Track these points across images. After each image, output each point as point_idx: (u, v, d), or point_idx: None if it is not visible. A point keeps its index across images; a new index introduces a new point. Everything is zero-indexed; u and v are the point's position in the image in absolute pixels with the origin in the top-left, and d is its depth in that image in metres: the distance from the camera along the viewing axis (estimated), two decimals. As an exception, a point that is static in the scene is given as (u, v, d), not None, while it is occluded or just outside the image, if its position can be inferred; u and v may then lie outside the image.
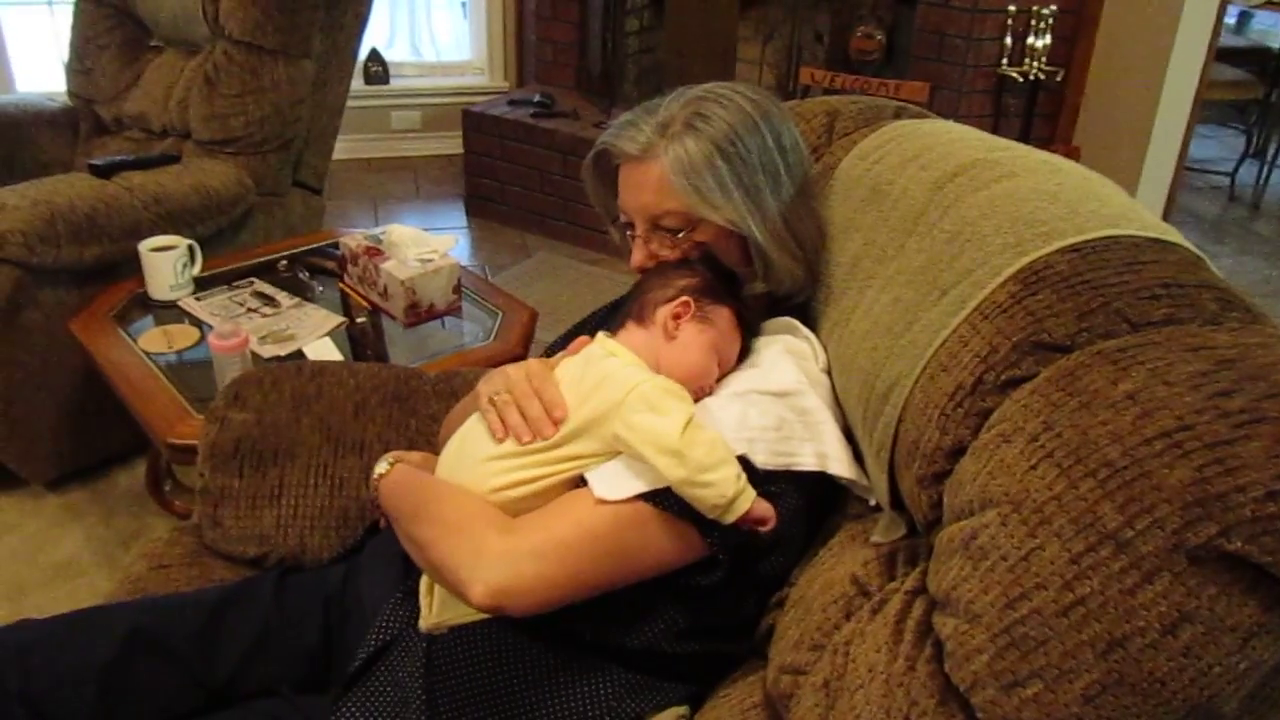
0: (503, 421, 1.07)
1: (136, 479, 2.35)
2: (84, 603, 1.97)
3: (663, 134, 1.13)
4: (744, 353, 1.14)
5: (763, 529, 0.99)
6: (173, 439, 1.70)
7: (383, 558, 1.22)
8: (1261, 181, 4.38)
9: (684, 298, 1.11)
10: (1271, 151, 4.39)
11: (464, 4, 4.57)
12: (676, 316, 1.10)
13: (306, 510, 1.43)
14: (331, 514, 1.43)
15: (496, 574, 0.96)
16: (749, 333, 1.15)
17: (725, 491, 0.95)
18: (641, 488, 0.99)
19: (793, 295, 1.21)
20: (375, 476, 1.17)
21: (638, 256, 1.19)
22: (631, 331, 1.12)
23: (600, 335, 1.14)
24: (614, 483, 1.00)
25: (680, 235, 1.16)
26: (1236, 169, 4.49)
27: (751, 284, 1.19)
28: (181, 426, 1.71)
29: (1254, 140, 4.65)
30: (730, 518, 0.96)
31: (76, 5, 2.87)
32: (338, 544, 1.41)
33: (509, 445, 1.06)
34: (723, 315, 1.12)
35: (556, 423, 1.05)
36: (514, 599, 0.96)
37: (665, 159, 1.12)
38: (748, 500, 0.96)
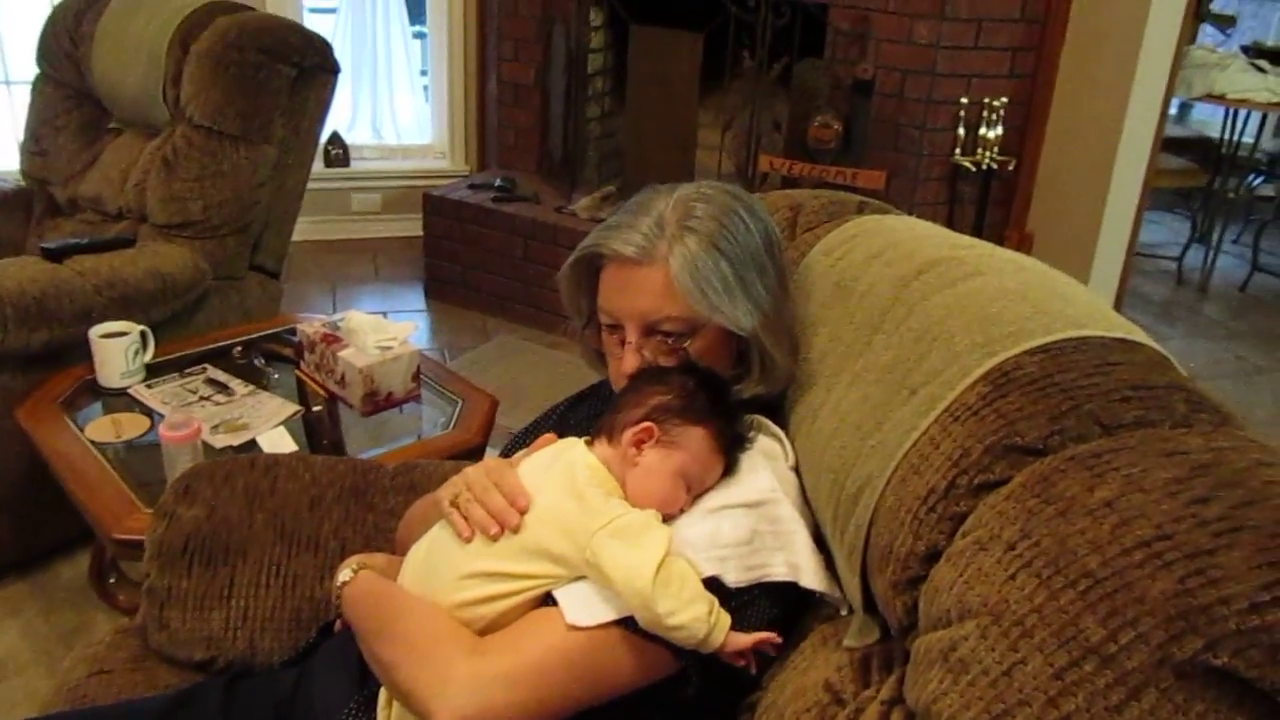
0: (466, 519, 1.04)
1: (79, 571, 2.27)
2: (19, 705, 1.88)
3: (660, 235, 1.09)
4: (729, 468, 1.08)
5: (742, 664, 0.97)
6: (119, 534, 1.64)
7: (338, 661, 1.17)
8: (1207, 265, 4.49)
9: (647, 423, 1.05)
10: (1216, 237, 4.51)
11: (426, 88, 4.61)
12: (639, 443, 1.05)
13: (258, 611, 1.37)
14: (284, 615, 1.38)
15: (464, 702, 0.92)
16: (733, 449, 1.08)
17: (696, 633, 0.93)
18: (614, 614, 0.96)
19: (773, 393, 1.19)
20: (338, 584, 1.13)
21: (630, 363, 1.13)
22: (603, 447, 1.08)
23: (580, 444, 1.10)
24: (586, 607, 0.97)
25: (679, 340, 1.12)
26: (1183, 253, 4.61)
27: (744, 386, 1.16)
28: (129, 521, 1.65)
29: (1198, 226, 4.78)
30: (707, 650, 0.95)
31: (35, 86, 2.86)
32: (290, 646, 1.36)
33: (476, 562, 1.02)
34: (694, 436, 1.05)
35: (521, 511, 1.02)
36: None
37: (672, 262, 1.08)
38: (721, 633, 0.95)
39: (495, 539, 1.01)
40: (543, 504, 1.02)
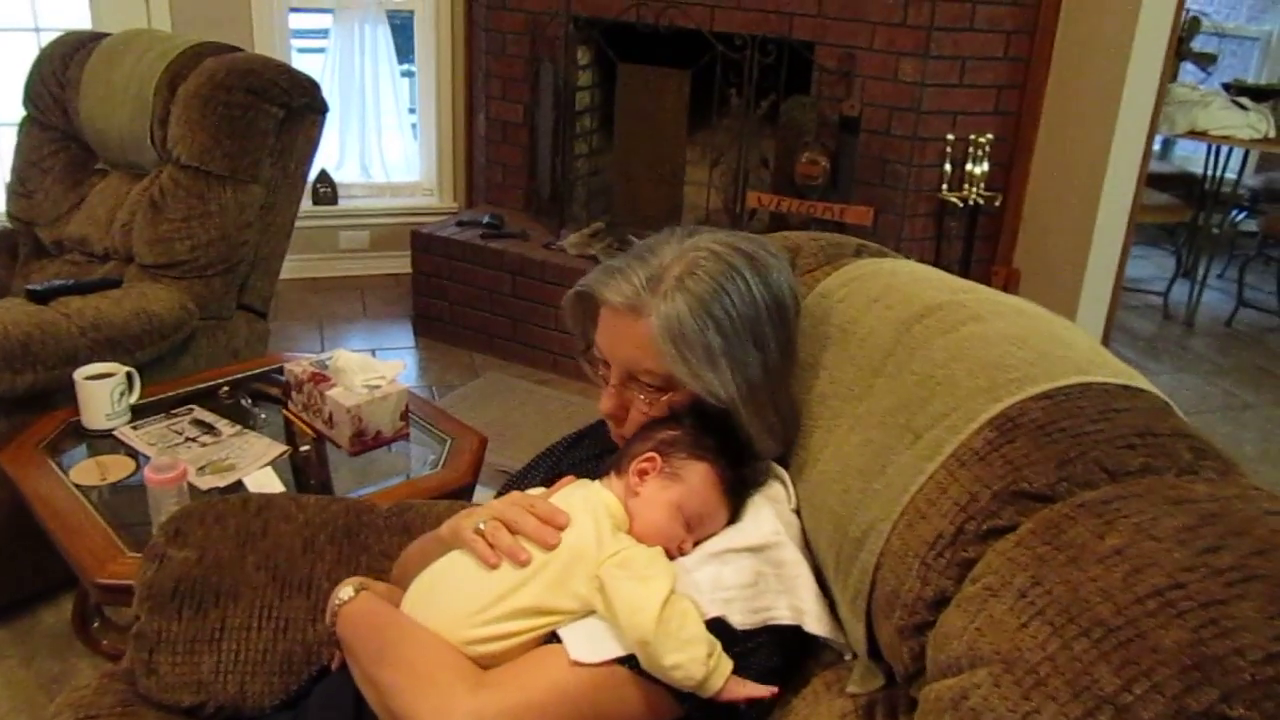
0: (492, 547, 1.02)
1: (62, 617, 2.23)
2: (0, 759, 1.83)
3: (654, 290, 1.07)
4: (733, 516, 1.08)
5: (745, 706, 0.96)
6: (102, 579, 1.61)
7: (331, 705, 1.15)
8: (1193, 301, 4.52)
9: (650, 453, 1.07)
10: (1201, 272, 4.54)
11: (414, 126, 4.62)
12: (641, 473, 1.07)
13: (249, 655, 1.35)
14: (275, 658, 1.35)
15: None
16: (738, 492, 1.08)
17: (693, 674, 0.93)
18: (618, 651, 0.96)
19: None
20: (337, 603, 1.11)
21: (607, 404, 1.14)
22: (612, 483, 1.10)
23: (596, 484, 1.11)
24: (590, 644, 0.96)
25: (656, 392, 1.11)
26: (1169, 288, 4.64)
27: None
28: (112, 565, 1.62)
29: (1184, 261, 4.81)
30: (705, 694, 0.94)
31: (21, 127, 2.85)
32: (281, 690, 1.34)
33: (482, 598, 1.01)
34: (696, 471, 1.05)
35: (560, 528, 1.02)
36: None
37: (654, 320, 1.06)
38: (720, 678, 0.94)
39: (524, 564, 1.00)
40: (567, 538, 1.03)
